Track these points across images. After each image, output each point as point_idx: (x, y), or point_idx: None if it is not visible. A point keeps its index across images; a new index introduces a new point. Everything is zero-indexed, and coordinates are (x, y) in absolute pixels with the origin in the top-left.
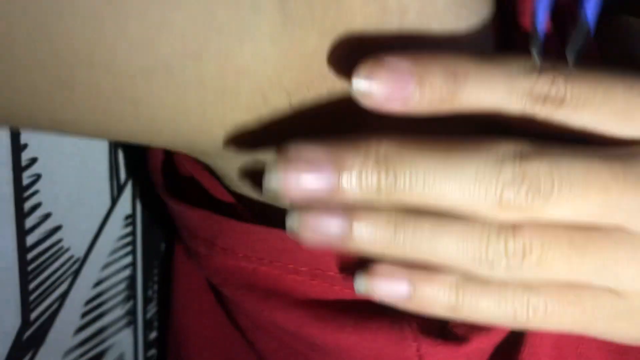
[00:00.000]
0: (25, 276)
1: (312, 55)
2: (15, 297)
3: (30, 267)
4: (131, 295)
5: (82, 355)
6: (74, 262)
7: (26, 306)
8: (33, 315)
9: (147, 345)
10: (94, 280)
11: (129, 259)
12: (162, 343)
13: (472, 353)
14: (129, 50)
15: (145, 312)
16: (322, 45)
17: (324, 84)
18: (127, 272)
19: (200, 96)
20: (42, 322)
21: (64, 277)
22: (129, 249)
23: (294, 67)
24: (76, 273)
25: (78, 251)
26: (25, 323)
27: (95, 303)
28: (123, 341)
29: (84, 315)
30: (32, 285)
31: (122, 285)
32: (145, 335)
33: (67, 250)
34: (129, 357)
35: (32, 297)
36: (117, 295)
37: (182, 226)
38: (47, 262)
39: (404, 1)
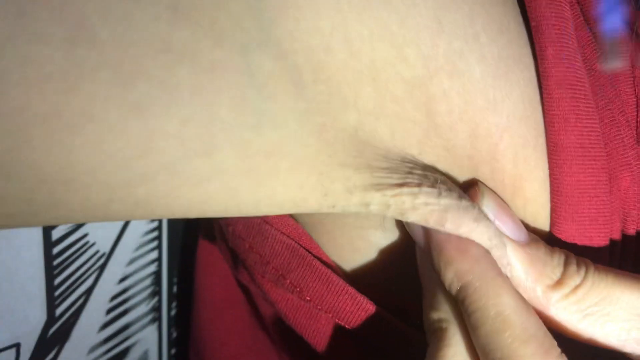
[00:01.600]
0: (50, 271)
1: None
2: (40, 292)
3: (55, 262)
4: (156, 292)
5: (106, 351)
6: (100, 257)
7: (51, 301)
8: (58, 311)
9: (172, 342)
10: (120, 275)
11: (154, 255)
12: (184, 338)
13: None
14: (123, 161)
15: (170, 308)
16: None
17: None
18: (152, 268)
19: (232, 184)
20: (67, 318)
21: (90, 272)
22: (154, 244)
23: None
24: (102, 268)
25: (103, 246)
26: (51, 318)
27: (120, 299)
28: (148, 338)
29: (109, 311)
30: (57, 281)
31: (148, 281)
32: (170, 332)
33: (93, 244)
34: (154, 354)
35: (57, 292)
36: (142, 291)
37: (250, 244)
38: (73, 257)
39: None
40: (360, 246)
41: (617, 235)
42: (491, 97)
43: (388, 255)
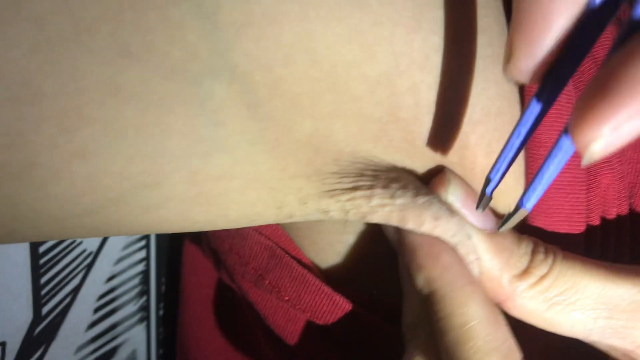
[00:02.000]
0: (37, 270)
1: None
2: (27, 290)
3: (42, 261)
4: (144, 291)
5: (94, 351)
6: (87, 256)
7: (38, 300)
8: (45, 310)
9: (160, 342)
10: (107, 274)
11: (142, 254)
12: (172, 338)
13: None
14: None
15: (158, 308)
16: (320, 129)
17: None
18: (140, 267)
19: (183, 208)
20: (53, 317)
21: (76, 271)
22: (142, 243)
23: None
24: (89, 267)
25: (91, 245)
26: (37, 317)
27: (108, 298)
28: (136, 337)
29: (96, 310)
30: (44, 279)
31: (136, 281)
32: (159, 332)
33: (80, 243)
34: (142, 354)
35: (43, 291)
36: (130, 291)
37: (230, 245)
38: (60, 256)
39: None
40: (341, 249)
41: (595, 231)
42: (465, 92)
43: (370, 258)
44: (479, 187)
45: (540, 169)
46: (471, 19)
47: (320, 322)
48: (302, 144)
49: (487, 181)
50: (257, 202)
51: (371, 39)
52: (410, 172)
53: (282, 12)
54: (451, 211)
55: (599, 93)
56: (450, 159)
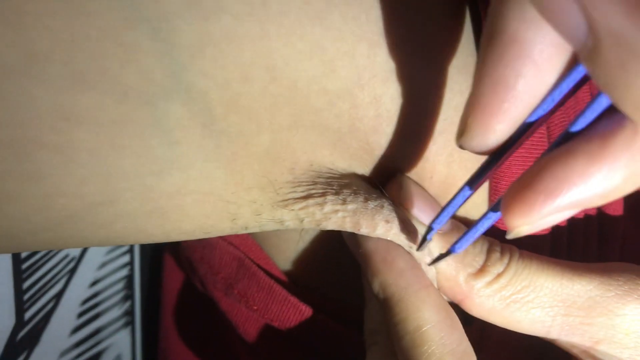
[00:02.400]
0: (19, 274)
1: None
2: (9, 296)
3: (24, 266)
4: (129, 295)
5: (78, 356)
6: (70, 261)
7: (20, 305)
8: (27, 315)
9: (145, 347)
10: (91, 279)
11: (126, 258)
12: (157, 343)
13: None
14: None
15: (143, 312)
16: (277, 140)
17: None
18: (124, 272)
19: (137, 223)
20: (36, 322)
21: (60, 276)
22: (126, 247)
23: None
24: (72, 272)
25: (74, 250)
26: (20, 323)
27: (91, 303)
28: (120, 342)
29: (80, 315)
30: (26, 284)
31: (120, 285)
32: (144, 337)
33: None
34: (127, 359)
35: (26, 296)
36: (114, 295)
37: (201, 254)
38: (42, 261)
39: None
40: (307, 256)
41: (562, 234)
42: (429, 103)
43: (336, 264)
44: (434, 196)
45: (475, 225)
46: (437, 31)
47: (288, 330)
48: (259, 156)
49: (430, 229)
50: (211, 214)
51: (333, 54)
52: (363, 178)
53: (242, 31)
54: (403, 214)
55: (531, 186)
56: (409, 169)
